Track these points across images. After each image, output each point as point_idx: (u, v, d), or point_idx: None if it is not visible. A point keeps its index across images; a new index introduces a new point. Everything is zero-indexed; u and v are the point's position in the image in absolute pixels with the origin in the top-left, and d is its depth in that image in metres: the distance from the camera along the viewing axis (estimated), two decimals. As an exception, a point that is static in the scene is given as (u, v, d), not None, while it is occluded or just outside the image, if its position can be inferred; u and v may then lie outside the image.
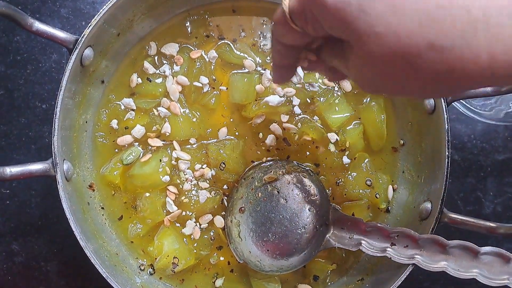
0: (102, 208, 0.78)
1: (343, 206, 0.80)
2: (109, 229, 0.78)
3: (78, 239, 0.68)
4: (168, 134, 0.78)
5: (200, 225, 0.78)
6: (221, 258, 0.79)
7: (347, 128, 0.80)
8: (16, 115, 0.85)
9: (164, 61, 0.80)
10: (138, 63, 0.80)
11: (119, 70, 0.80)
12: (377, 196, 0.80)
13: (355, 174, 0.80)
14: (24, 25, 0.66)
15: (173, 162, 0.78)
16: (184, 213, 0.78)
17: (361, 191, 0.79)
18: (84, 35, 0.69)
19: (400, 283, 0.71)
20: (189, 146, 0.79)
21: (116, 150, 0.79)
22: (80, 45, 0.68)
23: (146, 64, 0.79)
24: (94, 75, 0.76)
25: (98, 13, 0.70)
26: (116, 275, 0.72)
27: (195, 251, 0.78)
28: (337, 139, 0.80)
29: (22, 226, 0.84)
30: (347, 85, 0.81)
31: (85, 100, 0.76)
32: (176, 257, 0.76)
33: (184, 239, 0.78)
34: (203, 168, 0.78)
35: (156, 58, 0.80)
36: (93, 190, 0.78)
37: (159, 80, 0.79)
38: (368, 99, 0.82)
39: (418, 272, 0.86)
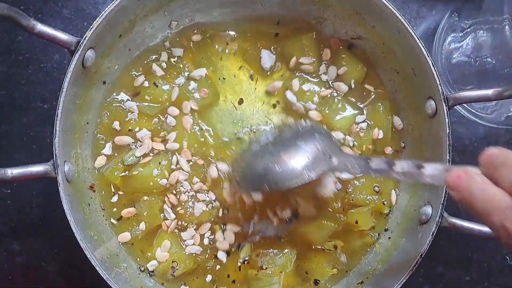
0: (103, 209, 0.78)
1: (347, 214, 0.79)
2: (110, 230, 0.78)
3: (78, 240, 0.68)
4: (171, 141, 0.79)
5: (201, 234, 0.78)
6: (218, 266, 0.79)
7: (360, 131, 0.81)
8: (17, 115, 0.85)
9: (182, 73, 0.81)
10: (146, 65, 0.81)
11: (122, 72, 0.80)
12: (385, 202, 0.80)
13: (363, 180, 0.80)
14: (26, 27, 0.66)
15: (172, 166, 0.78)
16: (180, 222, 0.78)
17: (368, 197, 0.79)
18: (86, 37, 0.68)
19: (400, 286, 0.71)
20: (191, 160, 0.79)
21: (116, 154, 0.79)
22: (82, 47, 0.68)
23: (155, 67, 0.80)
24: (95, 76, 0.76)
25: (100, 15, 0.70)
26: (116, 276, 0.72)
27: (194, 254, 0.78)
28: (354, 143, 0.80)
29: (23, 226, 0.84)
30: (342, 86, 0.81)
31: (86, 101, 0.76)
32: (174, 261, 0.76)
33: (183, 243, 0.78)
34: (201, 183, 0.79)
35: (165, 63, 0.81)
36: (94, 191, 0.78)
37: (166, 87, 0.79)
38: (373, 96, 0.82)
39: (418, 275, 0.86)
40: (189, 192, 0.78)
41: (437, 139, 0.74)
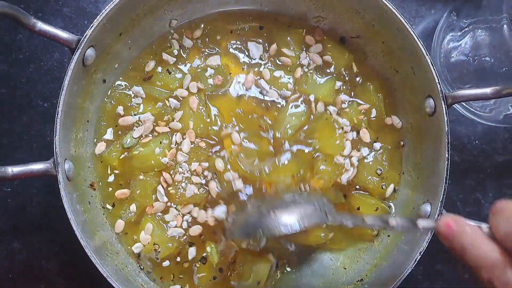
0: (103, 207, 0.79)
1: (350, 195, 0.80)
2: (110, 228, 0.79)
3: (79, 238, 0.68)
4: (176, 121, 0.79)
5: (183, 215, 0.78)
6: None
7: (344, 106, 0.82)
8: (18, 114, 0.85)
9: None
10: (156, 54, 0.82)
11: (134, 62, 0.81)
12: (383, 187, 0.80)
13: (370, 159, 0.81)
14: (27, 25, 0.66)
15: (172, 145, 0.78)
16: (169, 203, 0.78)
17: (369, 177, 0.80)
18: (86, 35, 0.69)
19: (399, 283, 0.71)
20: (194, 142, 0.79)
21: (119, 132, 0.79)
22: (82, 45, 0.68)
23: (165, 56, 0.80)
24: (96, 75, 0.76)
25: (101, 13, 0.70)
26: (117, 274, 0.73)
27: (177, 237, 0.78)
28: (339, 112, 0.81)
29: (23, 225, 0.84)
30: (317, 58, 0.82)
31: (87, 99, 0.77)
32: (156, 244, 0.77)
33: (166, 226, 0.78)
34: (200, 166, 0.79)
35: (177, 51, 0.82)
36: (94, 190, 0.78)
37: (179, 75, 0.80)
38: (361, 80, 0.83)
39: (417, 273, 0.86)
40: (184, 174, 0.78)
41: (436, 137, 0.74)
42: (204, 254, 0.78)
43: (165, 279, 0.79)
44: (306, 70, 0.82)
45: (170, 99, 0.80)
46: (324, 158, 0.79)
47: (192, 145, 0.79)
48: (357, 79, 0.83)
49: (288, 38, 0.83)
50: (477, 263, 0.47)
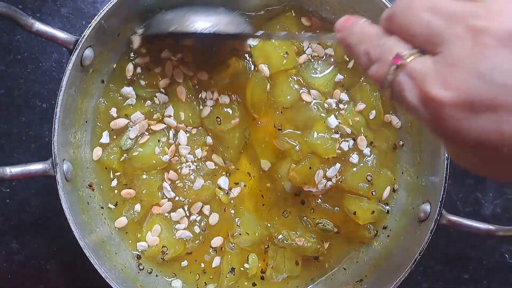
0: (102, 207, 0.79)
1: (344, 197, 0.79)
2: (108, 228, 0.79)
3: (77, 238, 0.68)
4: (171, 117, 0.78)
5: (190, 214, 0.78)
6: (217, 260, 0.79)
7: (341, 106, 0.80)
8: (16, 114, 0.85)
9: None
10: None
11: (119, 65, 0.80)
12: (373, 193, 0.79)
13: (356, 169, 0.79)
14: (24, 26, 0.66)
15: (170, 141, 0.78)
16: (177, 198, 0.78)
17: (360, 184, 0.79)
18: (84, 35, 0.69)
19: (399, 284, 0.71)
20: (188, 131, 0.79)
21: (115, 137, 0.79)
22: (80, 46, 0.68)
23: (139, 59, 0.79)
24: (94, 75, 0.76)
25: (99, 13, 0.70)
26: (115, 274, 0.73)
27: (185, 239, 0.78)
28: (339, 107, 0.80)
29: (22, 225, 0.84)
30: (320, 50, 0.81)
31: (85, 99, 0.76)
32: (164, 246, 0.77)
33: (173, 228, 0.78)
34: (205, 152, 0.79)
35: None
36: (93, 190, 0.78)
37: (158, 70, 0.79)
38: (362, 78, 0.82)
39: (417, 273, 0.86)
40: (190, 166, 0.78)
41: (435, 136, 0.73)
42: (242, 268, 0.79)
43: (177, 274, 0.80)
44: (309, 57, 0.81)
45: (157, 94, 0.78)
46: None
47: (188, 134, 0.78)
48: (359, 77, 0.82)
49: (278, 27, 0.80)
50: (359, 38, 0.48)
